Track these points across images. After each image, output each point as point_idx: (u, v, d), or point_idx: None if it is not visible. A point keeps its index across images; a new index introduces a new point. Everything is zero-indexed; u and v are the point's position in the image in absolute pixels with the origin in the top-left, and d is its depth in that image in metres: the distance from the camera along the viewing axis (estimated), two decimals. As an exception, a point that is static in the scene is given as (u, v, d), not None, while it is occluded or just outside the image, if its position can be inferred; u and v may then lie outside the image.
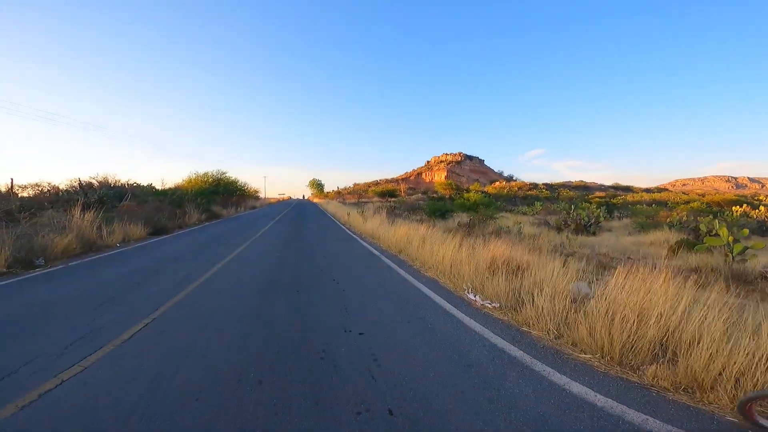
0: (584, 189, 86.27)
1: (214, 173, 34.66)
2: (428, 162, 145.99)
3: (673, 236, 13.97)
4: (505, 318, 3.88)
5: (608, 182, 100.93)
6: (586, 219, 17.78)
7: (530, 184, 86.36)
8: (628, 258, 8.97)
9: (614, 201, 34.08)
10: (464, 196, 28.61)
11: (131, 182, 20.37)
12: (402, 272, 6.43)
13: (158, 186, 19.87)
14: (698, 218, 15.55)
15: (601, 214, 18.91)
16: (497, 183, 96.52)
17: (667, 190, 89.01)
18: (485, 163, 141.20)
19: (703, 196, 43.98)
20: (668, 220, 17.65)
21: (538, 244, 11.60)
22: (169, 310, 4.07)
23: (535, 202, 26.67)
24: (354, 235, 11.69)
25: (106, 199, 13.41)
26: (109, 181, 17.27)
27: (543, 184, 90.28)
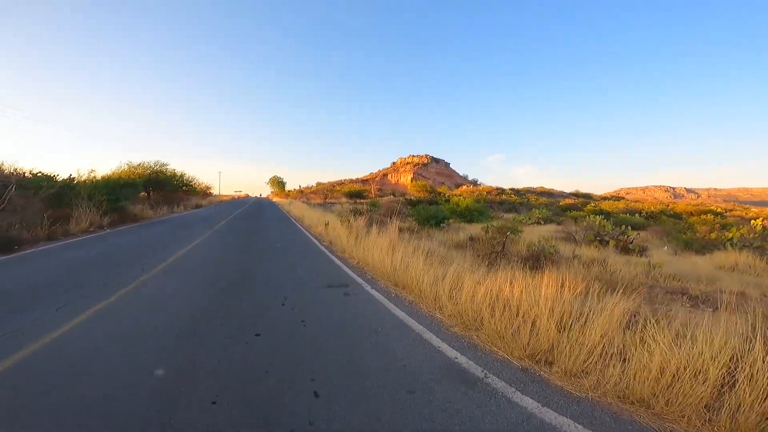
0: (549, 195, 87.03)
1: (152, 164, 28.78)
2: (394, 163, 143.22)
3: (751, 258, 10.92)
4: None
5: (565, 189, 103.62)
6: (613, 232, 14.56)
7: (497, 188, 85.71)
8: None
9: (601, 209, 32.09)
10: (453, 201, 24.84)
11: (19, 170, 14.12)
12: None
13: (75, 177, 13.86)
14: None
15: (627, 229, 15.60)
16: (464, 187, 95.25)
17: (623, 198, 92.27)
18: (450, 166, 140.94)
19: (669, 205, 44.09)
20: (713, 235, 14.80)
21: (620, 276, 7.96)
22: None
23: (533, 210, 23.45)
24: (360, 279, 6.80)
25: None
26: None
27: (510, 189, 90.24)
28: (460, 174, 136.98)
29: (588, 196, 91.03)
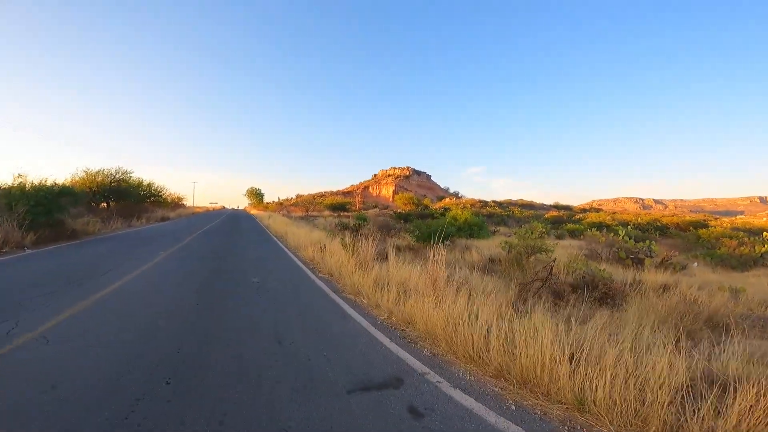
0: (530, 207, 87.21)
1: (113, 172, 25.78)
2: (375, 175, 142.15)
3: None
4: None
5: (543, 201, 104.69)
6: (638, 248, 13.04)
7: (480, 201, 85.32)
8: None
9: (600, 222, 31.08)
10: (450, 214, 22.94)
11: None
12: None
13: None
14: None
15: (651, 244, 13.97)
16: (446, 199, 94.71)
17: (600, 209, 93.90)
18: (432, 178, 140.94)
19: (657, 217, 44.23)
20: (745, 250, 13.41)
21: (707, 307, 6.11)
22: None
23: (534, 222, 21.75)
24: (416, 363, 3.16)
25: None
26: None
27: (492, 201, 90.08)
28: (442, 186, 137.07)
29: (568, 208, 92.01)
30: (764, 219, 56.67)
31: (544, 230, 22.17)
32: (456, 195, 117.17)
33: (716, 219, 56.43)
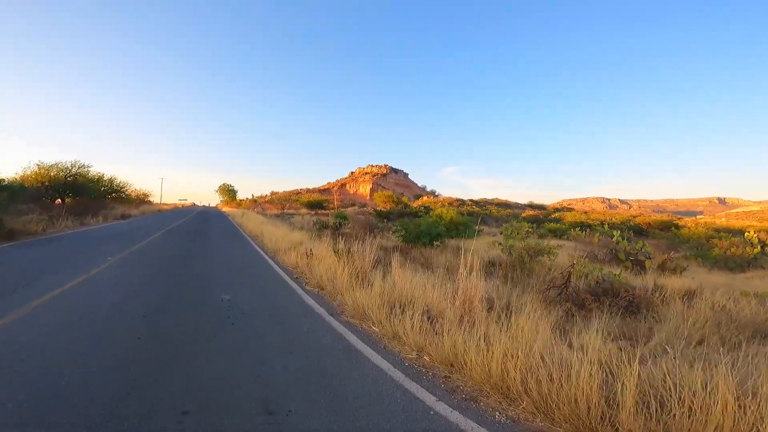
0: (506, 206, 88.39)
1: (68, 166, 23.74)
2: (353, 173, 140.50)
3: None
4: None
5: (517, 200, 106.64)
6: (631, 249, 12.67)
7: (458, 200, 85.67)
8: None
9: (582, 222, 31.31)
10: (435, 213, 22.06)
11: None
12: None
13: None
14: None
15: (644, 245, 13.60)
16: (424, 198, 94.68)
17: (573, 209, 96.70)
18: (409, 177, 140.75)
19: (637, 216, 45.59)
20: (737, 251, 13.28)
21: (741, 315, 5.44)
22: None
23: (521, 222, 21.29)
24: None
25: None
26: None
27: (470, 200, 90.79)
28: (419, 185, 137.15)
29: (542, 207, 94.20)
30: (723, 219, 59.88)
31: (530, 230, 21.60)
32: (433, 194, 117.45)
33: (679, 219, 59.16)
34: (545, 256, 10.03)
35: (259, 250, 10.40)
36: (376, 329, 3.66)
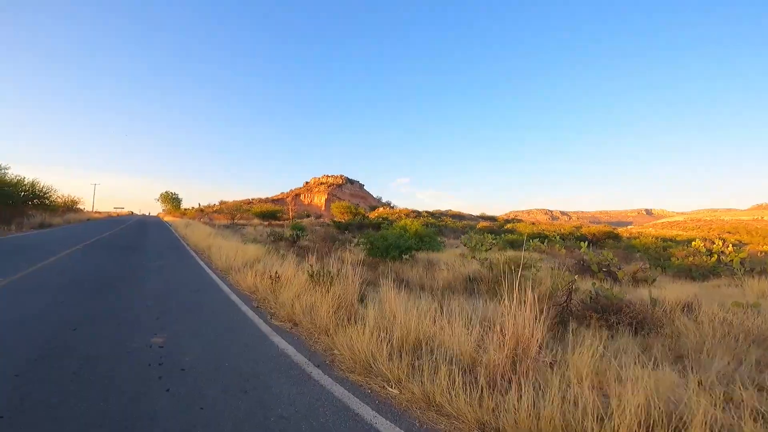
0: (460, 218, 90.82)
1: None
2: (307, 183, 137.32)
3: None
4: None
5: (472, 212, 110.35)
6: (606, 262, 12.68)
7: (414, 211, 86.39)
8: None
9: (540, 233, 32.33)
10: (400, 224, 21.27)
11: None
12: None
13: None
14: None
15: (613, 258, 13.83)
16: (380, 209, 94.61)
17: (521, 220, 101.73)
18: (365, 187, 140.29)
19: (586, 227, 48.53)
20: (695, 260, 13.86)
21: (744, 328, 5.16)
22: None
23: (485, 234, 21.25)
24: None
25: None
26: None
27: (425, 211, 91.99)
28: (374, 196, 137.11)
29: (494, 219, 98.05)
30: (651, 229, 66.05)
31: (494, 242, 21.51)
32: (389, 205, 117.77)
33: (614, 229, 64.48)
34: (531, 269, 9.50)
35: (206, 268, 8.69)
36: (395, 391, 2.49)
